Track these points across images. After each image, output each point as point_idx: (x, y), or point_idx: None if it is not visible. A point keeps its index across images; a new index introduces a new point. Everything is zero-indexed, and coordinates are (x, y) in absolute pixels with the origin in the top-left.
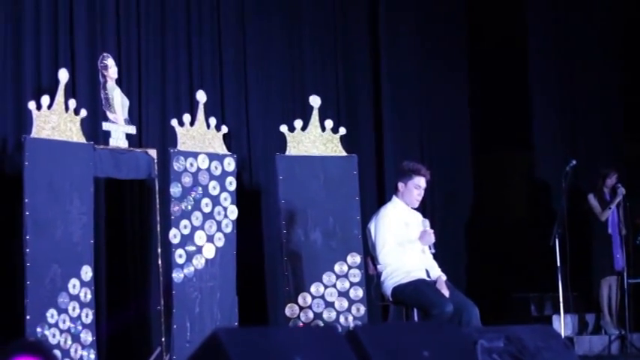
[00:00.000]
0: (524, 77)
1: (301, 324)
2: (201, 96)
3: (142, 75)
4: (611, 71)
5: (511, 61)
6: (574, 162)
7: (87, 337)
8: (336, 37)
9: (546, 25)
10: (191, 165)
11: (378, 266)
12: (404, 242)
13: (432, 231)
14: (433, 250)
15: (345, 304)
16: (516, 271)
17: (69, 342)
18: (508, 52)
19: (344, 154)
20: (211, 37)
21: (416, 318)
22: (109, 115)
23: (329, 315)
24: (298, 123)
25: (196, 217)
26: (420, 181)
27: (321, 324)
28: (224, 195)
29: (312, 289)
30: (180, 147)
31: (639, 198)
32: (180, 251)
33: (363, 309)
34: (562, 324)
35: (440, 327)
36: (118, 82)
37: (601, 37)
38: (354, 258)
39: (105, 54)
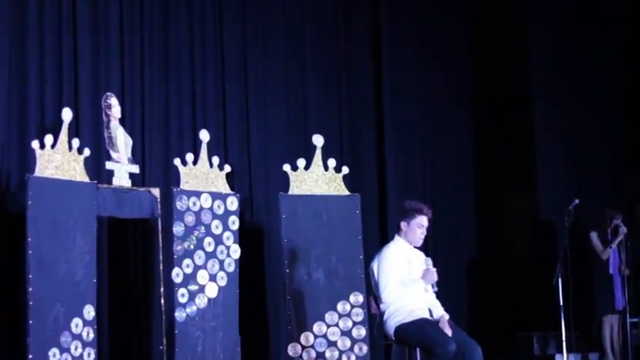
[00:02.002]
0: (528, 117)
1: None
2: (204, 135)
3: (145, 114)
4: (613, 111)
5: (515, 101)
6: (577, 201)
7: None
8: (340, 77)
9: (550, 68)
10: (194, 204)
11: (381, 305)
12: (407, 281)
13: (434, 270)
14: (436, 289)
15: (348, 343)
16: (519, 310)
17: None
18: (512, 92)
19: (347, 193)
20: (214, 77)
21: (419, 357)
22: (113, 154)
23: (331, 354)
24: (301, 162)
25: (199, 256)
26: (423, 220)
27: None
28: (227, 234)
29: (315, 328)
30: (183, 186)
31: (636, 236)
32: (182, 290)
33: (365, 348)
34: None
35: None
36: (122, 121)
37: (604, 79)
38: (357, 297)
39: (108, 93)
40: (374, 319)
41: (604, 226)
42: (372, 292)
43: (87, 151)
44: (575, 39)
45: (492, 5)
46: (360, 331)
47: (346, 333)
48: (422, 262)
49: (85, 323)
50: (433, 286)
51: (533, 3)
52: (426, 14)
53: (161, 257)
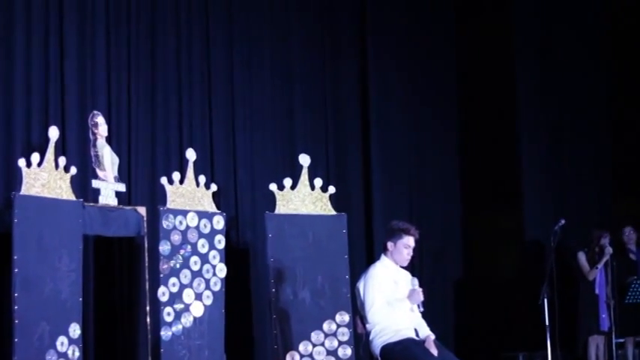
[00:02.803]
0: (514, 138)
1: None
2: (190, 154)
3: (131, 133)
4: (599, 131)
5: (501, 123)
6: (563, 221)
7: None
8: (326, 96)
9: (535, 88)
10: (180, 223)
11: (367, 325)
12: (393, 301)
13: (420, 290)
14: (422, 309)
15: None
16: (505, 329)
17: None
18: (498, 113)
19: (333, 212)
20: (201, 96)
21: None
22: (99, 172)
23: None
24: (288, 181)
25: (185, 275)
26: (410, 241)
27: None
28: (213, 253)
29: (301, 347)
30: (170, 205)
31: (627, 257)
32: (168, 309)
33: None
34: None
35: None
36: (108, 139)
37: (591, 100)
38: (343, 317)
39: (95, 112)
40: (360, 338)
41: (591, 245)
42: (357, 312)
43: (73, 170)
44: (562, 60)
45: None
46: (346, 351)
47: (332, 352)
48: (408, 282)
49: (71, 342)
50: (419, 306)
51: (519, 25)
52: (414, 37)
53: (147, 276)
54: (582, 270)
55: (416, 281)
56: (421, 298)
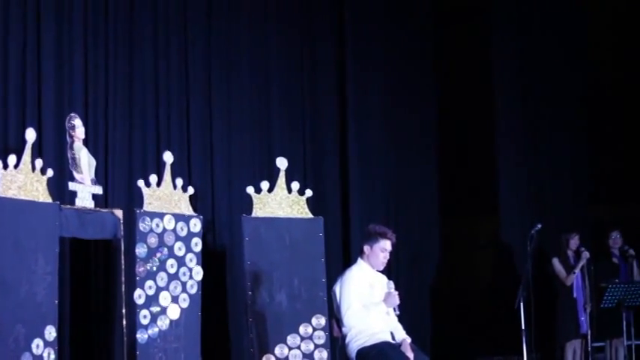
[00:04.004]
0: (491, 143)
1: None
2: (167, 157)
3: (108, 135)
4: (576, 136)
5: (478, 128)
6: (539, 225)
7: None
8: (304, 100)
9: (513, 93)
10: (157, 225)
11: (343, 328)
12: (369, 304)
13: (396, 293)
14: (397, 312)
15: None
16: (481, 333)
17: None
18: (476, 118)
19: (310, 216)
20: (178, 99)
21: None
22: (76, 175)
23: None
24: (265, 184)
25: (161, 278)
26: (386, 245)
27: None
28: (189, 256)
29: (277, 350)
30: (147, 207)
31: (604, 261)
32: (144, 312)
33: None
34: None
35: None
36: (85, 142)
37: (568, 105)
38: (319, 320)
39: (72, 114)
40: (336, 341)
41: (562, 250)
42: (334, 315)
43: (50, 172)
44: (539, 65)
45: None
46: (322, 354)
47: (308, 356)
48: (384, 285)
49: (46, 344)
50: (395, 310)
51: (497, 28)
52: (392, 41)
53: (123, 278)
54: (559, 276)
55: (392, 284)
56: (397, 301)
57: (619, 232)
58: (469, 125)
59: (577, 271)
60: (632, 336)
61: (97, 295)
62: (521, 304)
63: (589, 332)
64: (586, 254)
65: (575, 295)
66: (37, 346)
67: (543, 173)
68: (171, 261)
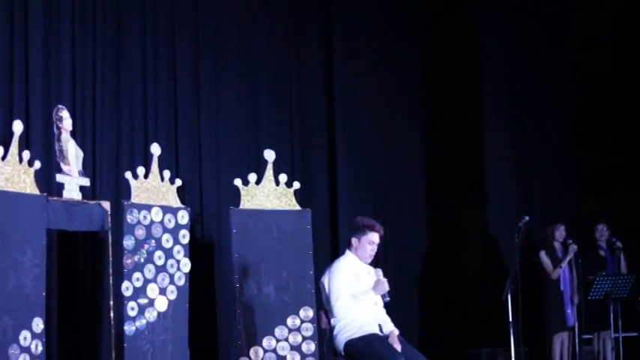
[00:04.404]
0: (479, 136)
1: None
2: (155, 149)
3: (96, 127)
4: (564, 129)
5: (466, 121)
6: (527, 218)
7: None
8: (292, 92)
9: (500, 87)
10: (144, 218)
11: (332, 319)
12: (358, 294)
13: (385, 280)
14: (388, 299)
15: (298, 358)
16: (469, 326)
17: None
18: (463, 111)
19: (298, 208)
20: (166, 91)
21: None
22: (63, 167)
23: None
24: (252, 177)
25: (149, 270)
26: (374, 237)
27: None
28: (177, 248)
29: (265, 342)
30: (134, 199)
31: (591, 254)
32: (132, 304)
33: None
34: None
35: None
36: (73, 134)
37: (555, 99)
38: (307, 312)
39: (60, 106)
40: (324, 334)
41: (549, 241)
42: (322, 307)
43: (37, 164)
44: (526, 61)
45: (444, 31)
46: (310, 346)
47: (296, 348)
48: (372, 276)
49: (34, 336)
50: (385, 296)
51: (484, 30)
52: (380, 35)
53: (111, 270)
54: (546, 269)
55: (380, 272)
56: (386, 287)
57: (605, 224)
58: (457, 119)
59: (564, 265)
60: (619, 328)
61: (84, 287)
62: (509, 296)
63: (576, 325)
64: (574, 247)
65: (562, 287)
66: (25, 337)
67: (531, 166)
68: (158, 253)
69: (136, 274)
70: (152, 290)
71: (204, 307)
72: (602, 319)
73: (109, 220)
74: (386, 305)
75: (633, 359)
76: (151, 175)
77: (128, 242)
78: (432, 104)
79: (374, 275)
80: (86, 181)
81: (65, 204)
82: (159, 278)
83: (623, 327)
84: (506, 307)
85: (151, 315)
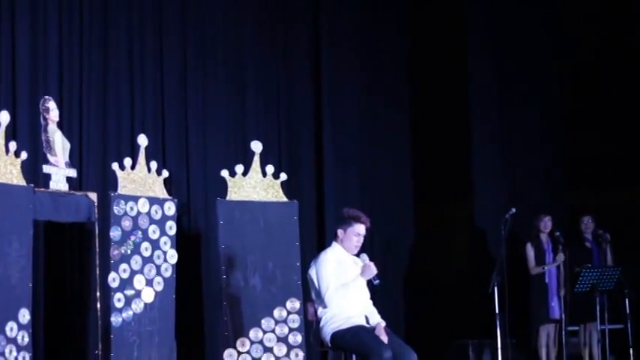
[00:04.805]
0: (466, 127)
1: None
2: (142, 140)
3: (83, 118)
4: (552, 121)
5: (453, 113)
6: (513, 210)
7: None
8: (279, 83)
9: (488, 77)
10: (131, 209)
11: (319, 311)
12: (347, 282)
13: (372, 263)
14: (378, 281)
15: (284, 349)
16: (455, 317)
17: None
18: (449, 104)
19: (285, 199)
20: (153, 82)
21: None
22: (50, 158)
23: None
24: (239, 168)
25: (136, 261)
26: (360, 229)
27: None
28: (164, 239)
29: (251, 334)
30: (121, 190)
31: (578, 246)
32: (119, 295)
33: (302, 354)
34: None
35: None
36: (59, 124)
37: (543, 91)
38: (294, 303)
39: (46, 97)
40: (310, 325)
41: (534, 232)
42: (309, 299)
43: (24, 155)
44: (514, 48)
45: (432, 19)
46: (297, 338)
47: (282, 339)
48: (358, 266)
49: (20, 327)
50: (374, 279)
51: (472, 16)
52: (367, 25)
53: (97, 261)
54: (528, 263)
55: (366, 256)
56: (374, 271)
57: (591, 216)
58: (443, 111)
59: (546, 268)
60: (605, 320)
61: (71, 279)
62: (495, 288)
63: (563, 317)
64: (561, 257)
65: (547, 280)
66: (11, 329)
67: (517, 158)
68: (145, 244)
69: (123, 266)
70: (139, 281)
71: (190, 299)
72: (588, 311)
73: (96, 211)
74: (372, 297)
75: (619, 351)
76: (137, 167)
77: (115, 233)
78: (419, 96)
79: (360, 260)
80: (73, 172)
81: (52, 195)
82: (145, 269)
83: (609, 319)
84: (493, 298)
85: (137, 306)
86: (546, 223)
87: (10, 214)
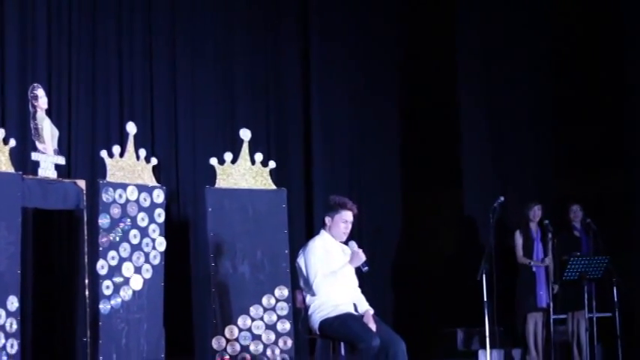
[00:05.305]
0: (455, 115)
1: (227, 357)
2: (131, 127)
3: (72, 106)
4: (541, 108)
5: (441, 100)
6: (502, 198)
7: None
8: (268, 72)
9: (476, 65)
10: (120, 196)
11: (308, 299)
12: (336, 270)
13: (360, 250)
14: (367, 267)
15: (272, 337)
16: (444, 305)
17: None
18: (439, 91)
19: (273, 187)
20: (142, 69)
21: (343, 352)
22: (39, 145)
23: (256, 348)
24: (228, 156)
25: (124, 249)
26: (347, 215)
27: (248, 357)
28: (152, 227)
29: (240, 321)
30: (110, 178)
31: (566, 235)
32: (107, 282)
33: (290, 342)
34: (488, 359)
35: None
36: (48, 112)
37: (531, 75)
38: (282, 291)
39: (35, 84)
40: (299, 313)
41: (523, 221)
42: (297, 287)
43: (12, 142)
44: (503, 37)
45: (420, 6)
46: (285, 325)
47: (271, 327)
48: (347, 254)
49: (9, 314)
50: (364, 266)
51: (460, 2)
52: (356, 12)
53: (86, 249)
54: (516, 252)
55: (354, 244)
56: (363, 258)
57: (579, 205)
58: (432, 98)
59: (532, 264)
60: (593, 308)
61: (59, 266)
62: (484, 276)
63: (551, 305)
64: (548, 260)
65: (534, 269)
66: (0, 316)
67: (507, 146)
68: (134, 232)
69: (112, 253)
70: (127, 269)
71: (179, 286)
72: (577, 299)
73: (85, 198)
74: (360, 285)
75: (607, 340)
76: (126, 154)
77: (103, 221)
78: (407, 84)
79: (349, 253)
80: (61, 160)
81: (40, 182)
82: (134, 257)
83: (597, 307)
84: (481, 286)
85: (126, 293)
86: (536, 212)
87: None
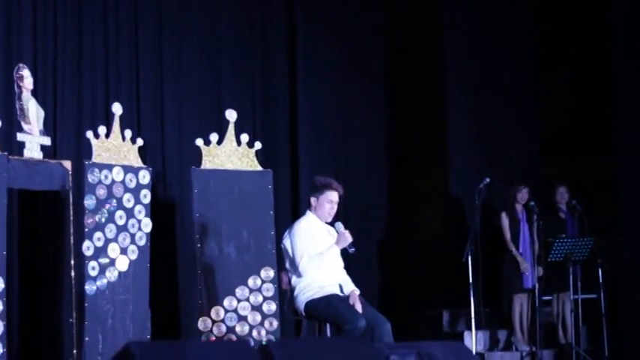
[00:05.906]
0: (440, 96)
1: (214, 338)
2: (117, 108)
3: (57, 86)
4: (527, 90)
5: (427, 80)
6: (487, 180)
7: None
8: (253, 52)
9: (462, 47)
10: (106, 177)
11: (293, 280)
12: (322, 251)
13: (347, 232)
14: (353, 249)
15: (258, 318)
16: (429, 287)
17: None
18: (425, 71)
19: (259, 168)
20: (128, 50)
21: (329, 333)
22: (24, 125)
23: (242, 329)
24: (214, 137)
25: (110, 230)
26: (333, 196)
27: (234, 338)
28: (138, 208)
29: (226, 302)
30: (95, 159)
31: (552, 216)
32: (93, 263)
33: (275, 323)
34: (474, 340)
35: (352, 342)
36: (34, 92)
37: (516, 57)
38: (268, 272)
39: (21, 64)
40: (284, 294)
41: (509, 202)
42: (283, 268)
43: None
44: (489, 19)
45: None
46: (271, 306)
47: (256, 308)
48: (332, 236)
49: None
50: (350, 247)
51: None
52: None
53: (72, 230)
54: (503, 234)
55: (341, 225)
56: (349, 239)
57: (565, 187)
58: (418, 79)
59: (514, 251)
60: (578, 290)
61: (45, 247)
62: (469, 257)
63: (536, 286)
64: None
65: (521, 250)
66: None
67: (493, 127)
68: (119, 213)
69: (97, 234)
70: (113, 250)
71: (165, 267)
72: (562, 280)
73: (70, 179)
74: (346, 266)
75: (592, 321)
76: (112, 135)
77: (89, 202)
78: (393, 64)
79: (335, 233)
80: (47, 140)
81: (26, 163)
82: (120, 238)
83: (582, 289)
84: (467, 268)
85: (111, 275)
86: (523, 195)
87: None
